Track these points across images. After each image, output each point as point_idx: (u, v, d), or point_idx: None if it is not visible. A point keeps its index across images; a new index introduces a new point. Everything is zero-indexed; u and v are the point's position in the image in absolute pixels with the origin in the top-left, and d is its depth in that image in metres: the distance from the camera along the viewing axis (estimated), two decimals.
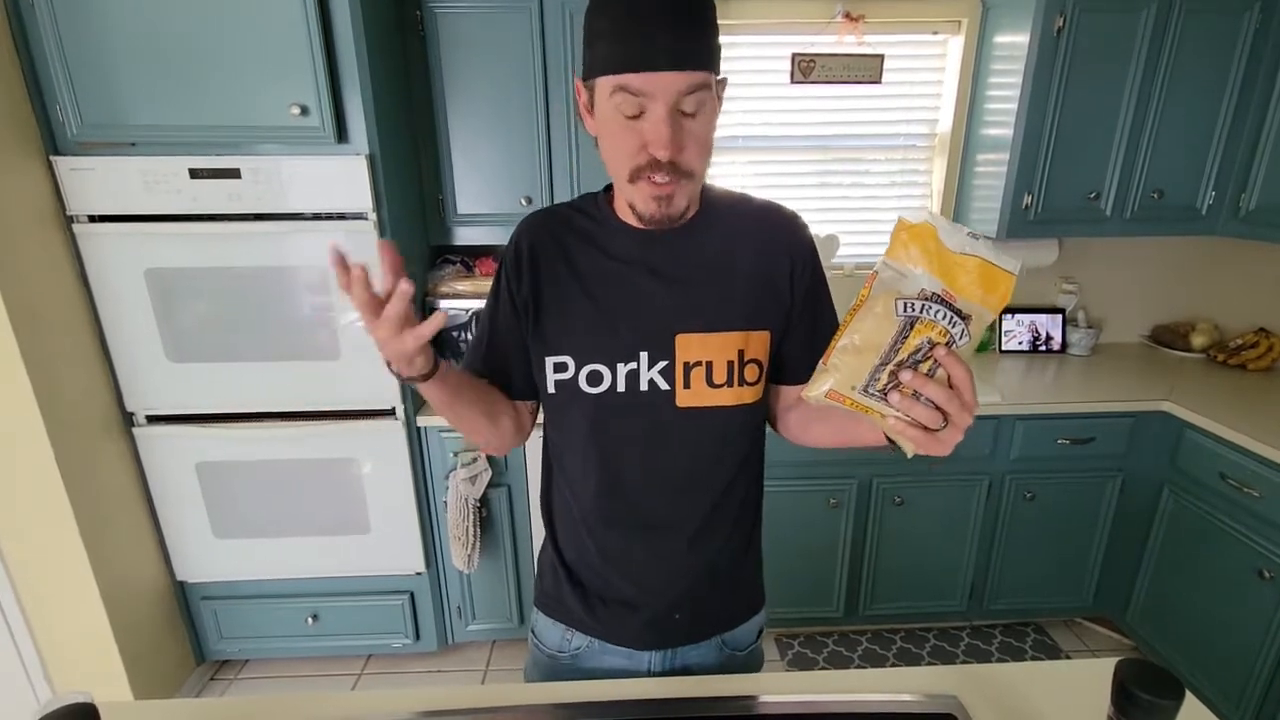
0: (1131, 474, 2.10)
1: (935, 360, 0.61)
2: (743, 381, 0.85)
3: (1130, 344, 2.59)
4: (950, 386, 0.62)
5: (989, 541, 2.18)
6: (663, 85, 0.69)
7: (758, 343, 0.85)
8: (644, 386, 0.84)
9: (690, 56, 0.69)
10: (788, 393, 0.92)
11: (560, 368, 0.85)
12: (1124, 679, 0.68)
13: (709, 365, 0.83)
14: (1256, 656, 1.75)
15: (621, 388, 0.84)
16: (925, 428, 0.63)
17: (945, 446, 0.64)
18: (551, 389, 0.87)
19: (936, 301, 0.60)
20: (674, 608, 0.93)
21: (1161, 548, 2.06)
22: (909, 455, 0.67)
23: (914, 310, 0.61)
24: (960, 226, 0.62)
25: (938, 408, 0.62)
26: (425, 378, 0.76)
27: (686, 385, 0.84)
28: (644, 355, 0.83)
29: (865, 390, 0.63)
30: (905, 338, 0.61)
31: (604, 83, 0.72)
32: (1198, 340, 2.41)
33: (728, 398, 0.85)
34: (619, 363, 0.83)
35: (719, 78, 0.76)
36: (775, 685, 0.91)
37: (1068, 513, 2.15)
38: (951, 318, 0.61)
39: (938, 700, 0.87)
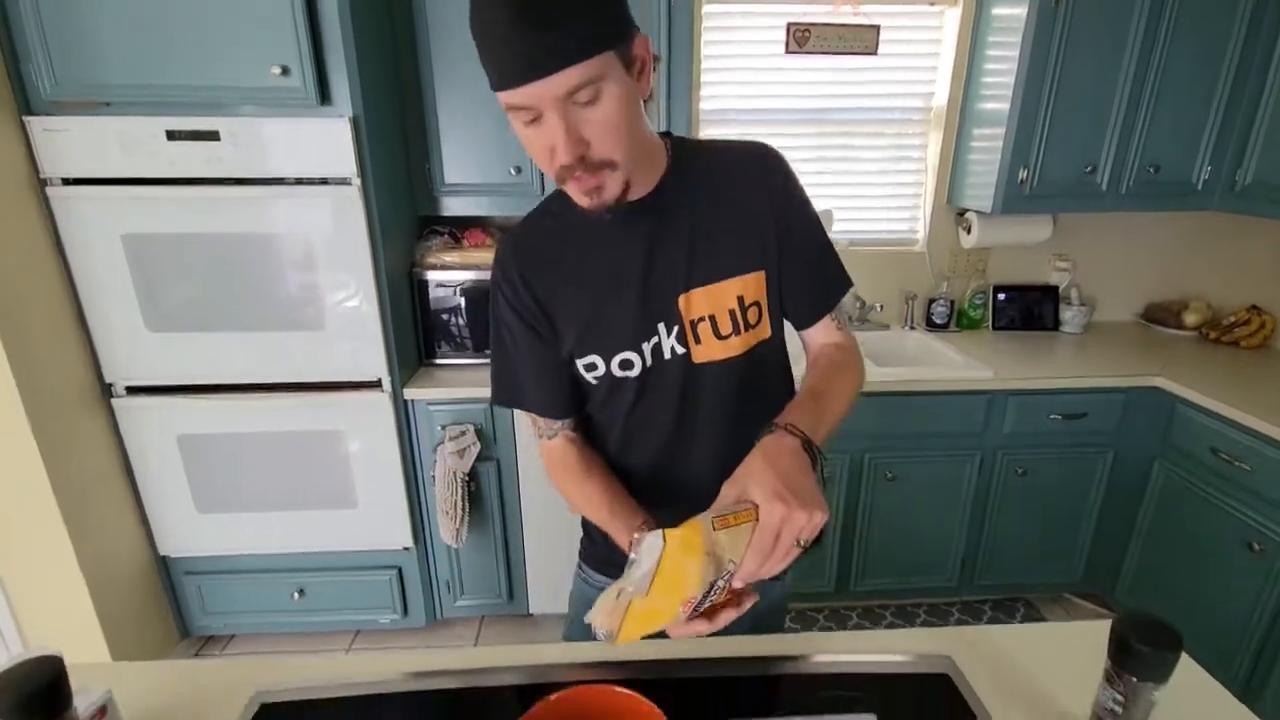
0: (1123, 449, 2.10)
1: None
2: (748, 326, 0.86)
3: (1123, 322, 2.58)
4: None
5: (980, 517, 2.18)
6: (539, 93, 0.64)
7: (754, 285, 0.85)
8: (668, 355, 0.86)
9: (556, 56, 0.63)
10: (804, 337, 0.93)
11: (591, 367, 0.88)
12: (1122, 632, 0.67)
13: (712, 319, 0.84)
14: (1245, 628, 1.76)
15: (650, 362, 0.86)
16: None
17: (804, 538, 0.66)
18: (594, 382, 0.90)
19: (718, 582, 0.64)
20: None
21: (1152, 522, 2.06)
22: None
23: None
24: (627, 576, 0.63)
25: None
26: None
27: (698, 341, 0.85)
28: (661, 327, 0.84)
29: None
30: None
31: (500, 99, 0.68)
32: (1190, 318, 2.41)
33: (737, 346, 0.86)
34: (643, 342, 0.85)
35: (624, 46, 0.68)
36: (771, 646, 0.90)
37: (1059, 488, 2.15)
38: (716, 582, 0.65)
39: (932, 660, 0.86)
